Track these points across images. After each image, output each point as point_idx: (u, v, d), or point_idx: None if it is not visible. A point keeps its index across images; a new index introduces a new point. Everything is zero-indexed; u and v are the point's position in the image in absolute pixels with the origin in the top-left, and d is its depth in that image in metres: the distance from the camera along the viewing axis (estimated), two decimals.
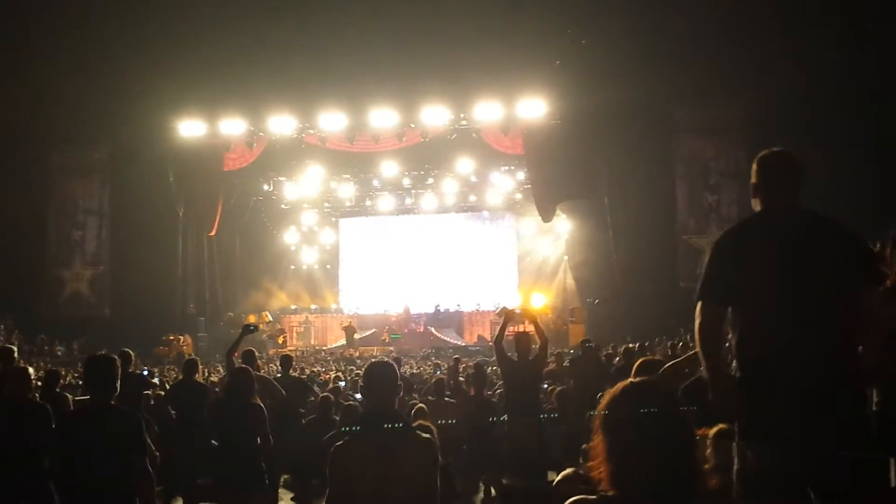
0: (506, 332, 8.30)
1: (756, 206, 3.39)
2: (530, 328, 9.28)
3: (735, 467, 3.07)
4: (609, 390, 2.13)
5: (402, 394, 5.57)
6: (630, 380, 2.15)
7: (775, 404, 3.03)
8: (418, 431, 3.39)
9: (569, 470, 4.80)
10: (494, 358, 9.35)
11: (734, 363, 3.26)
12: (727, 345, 3.42)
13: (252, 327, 8.25)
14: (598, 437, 2.06)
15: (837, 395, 3.02)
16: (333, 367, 17.99)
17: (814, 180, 3.71)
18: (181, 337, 22.38)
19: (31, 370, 6.06)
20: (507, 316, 8.40)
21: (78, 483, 4.15)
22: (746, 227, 3.33)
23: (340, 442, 3.29)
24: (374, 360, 3.69)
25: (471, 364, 11.24)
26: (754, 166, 3.39)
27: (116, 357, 4.69)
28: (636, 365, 5.08)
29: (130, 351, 8.16)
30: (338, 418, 8.18)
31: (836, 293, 3.09)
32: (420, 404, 7.94)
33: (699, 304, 3.24)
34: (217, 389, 9.39)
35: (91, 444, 4.11)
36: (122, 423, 4.23)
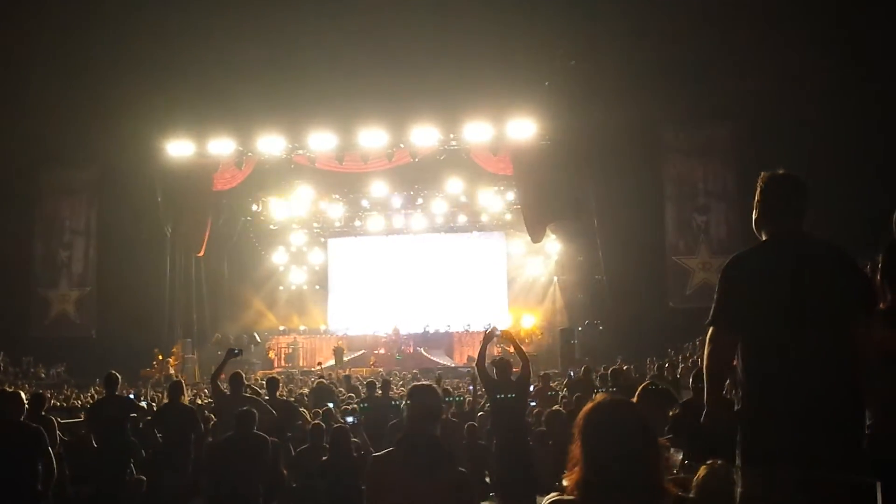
0: (488, 353, 8.19)
1: (759, 229, 3.38)
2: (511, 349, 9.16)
3: (738, 490, 3.06)
4: (590, 402, 2.30)
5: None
6: (605, 395, 2.35)
7: (777, 429, 3.04)
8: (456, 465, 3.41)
9: (553, 495, 4.75)
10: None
11: (737, 391, 3.26)
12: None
13: (236, 350, 8.14)
14: (575, 445, 2.23)
15: (838, 422, 3.03)
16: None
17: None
18: (168, 359, 22.17)
19: (22, 395, 6.03)
20: (487, 336, 8.25)
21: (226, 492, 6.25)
22: (751, 256, 3.30)
23: (381, 453, 3.47)
24: (416, 384, 3.74)
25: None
26: (757, 189, 3.36)
27: (255, 412, 6.59)
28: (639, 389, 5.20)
29: (117, 374, 8.05)
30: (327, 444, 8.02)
31: (838, 321, 3.11)
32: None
33: (710, 330, 3.25)
34: (208, 413, 9.28)
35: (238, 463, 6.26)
36: (260, 447, 6.39)
